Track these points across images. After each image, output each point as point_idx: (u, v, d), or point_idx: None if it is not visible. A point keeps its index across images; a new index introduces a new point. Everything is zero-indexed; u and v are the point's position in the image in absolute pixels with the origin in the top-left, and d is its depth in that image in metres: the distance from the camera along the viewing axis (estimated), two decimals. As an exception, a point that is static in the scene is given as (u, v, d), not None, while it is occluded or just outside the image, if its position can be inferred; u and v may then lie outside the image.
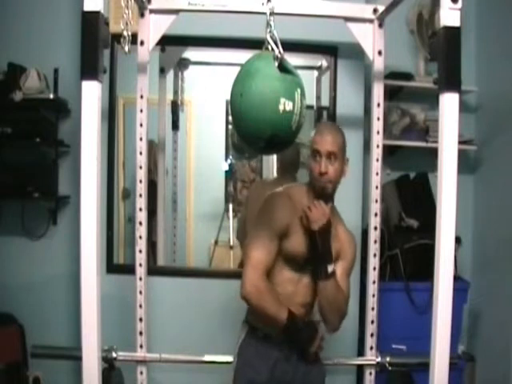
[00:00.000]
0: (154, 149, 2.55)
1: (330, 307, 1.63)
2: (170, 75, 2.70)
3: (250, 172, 2.92)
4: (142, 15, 1.86)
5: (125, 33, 1.63)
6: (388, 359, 1.96)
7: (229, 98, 1.46)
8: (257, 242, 1.60)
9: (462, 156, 2.74)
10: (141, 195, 1.93)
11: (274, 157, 2.82)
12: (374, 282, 1.99)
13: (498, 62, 2.79)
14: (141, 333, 1.94)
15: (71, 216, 2.75)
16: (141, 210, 1.94)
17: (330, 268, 1.61)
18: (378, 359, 1.97)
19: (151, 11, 1.86)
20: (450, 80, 1.27)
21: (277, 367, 1.66)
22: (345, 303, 1.66)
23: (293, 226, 1.62)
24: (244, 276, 1.56)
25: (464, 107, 2.81)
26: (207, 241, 2.85)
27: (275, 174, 2.83)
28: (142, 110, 1.91)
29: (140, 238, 1.93)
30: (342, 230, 1.75)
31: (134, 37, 1.76)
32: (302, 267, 1.66)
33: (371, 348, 1.99)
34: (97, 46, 1.18)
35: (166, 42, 2.06)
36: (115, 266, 2.44)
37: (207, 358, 2.01)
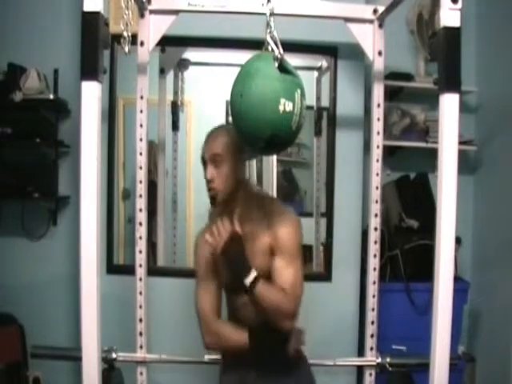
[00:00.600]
0: (153, 149, 2.55)
1: (267, 313, 1.51)
2: (170, 76, 2.70)
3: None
4: (141, 16, 1.86)
5: (125, 33, 1.63)
6: (388, 360, 1.96)
7: (229, 98, 1.46)
8: (197, 288, 1.65)
9: (462, 156, 2.73)
10: (141, 196, 1.93)
11: (274, 157, 2.82)
12: (374, 283, 1.99)
13: (498, 62, 2.79)
14: (141, 333, 1.94)
15: (71, 216, 2.75)
16: (141, 210, 1.93)
17: (247, 280, 1.48)
18: (378, 360, 1.97)
19: (151, 12, 1.86)
20: (450, 80, 1.27)
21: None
22: (287, 302, 1.50)
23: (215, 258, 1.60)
24: (200, 326, 1.63)
25: (464, 107, 2.80)
26: (207, 241, 2.85)
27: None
28: (142, 111, 1.91)
29: (140, 238, 1.93)
30: (274, 218, 1.56)
31: (134, 37, 1.76)
32: (236, 289, 1.60)
33: (371, 349, 1.99)
34: (97, 46, 1.18)
35: (165, 42, 2.06)
36: (115, 266, 2.44)
37: (207, 358, 2.01)
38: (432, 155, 1.49)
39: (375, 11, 1.88)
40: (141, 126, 1.91)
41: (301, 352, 1.68)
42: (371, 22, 1.90)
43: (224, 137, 1.56)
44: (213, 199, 1.57)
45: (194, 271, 1.69)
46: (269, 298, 1.49)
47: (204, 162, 1.57)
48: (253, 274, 1.49)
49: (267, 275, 1.54)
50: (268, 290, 1.50)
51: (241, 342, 1.56)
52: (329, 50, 2.46)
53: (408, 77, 2.76)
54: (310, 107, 2.55)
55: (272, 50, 1.46)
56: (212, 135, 1.59)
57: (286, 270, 1.52)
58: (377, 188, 1.99)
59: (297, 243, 1.56)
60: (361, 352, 2.21)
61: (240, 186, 1.59)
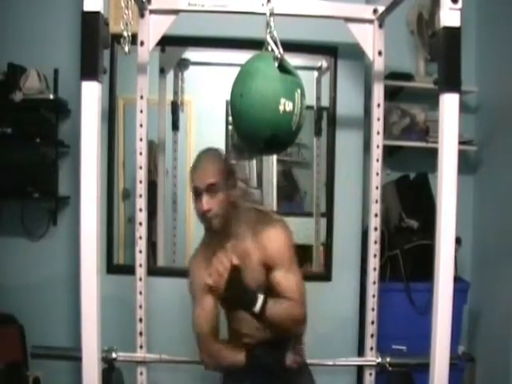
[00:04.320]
0: (153, 149, 2.55)
1: (280, 328, 1.57)
2: (170, 75, 2.70)
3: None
4: (141, 15, 1.86)
5: (125, 33, 1.64)
6: (388, 360, 1.96)
7: (229, 98, 1.46)
8: (194, 308, 1.65)
9: (462, 156, 2.74)
10: (141, 196, 1.93)
11: (274, 157, 2.82)
12: (374, 283, 1.99)
13: (498, 61, 2.79)
14: (141, 333, 1.94)
15: (71, 216, 2.75)
16: (141, 210, 1.93)
17: (255, 308, 1.50)
18: (378, 360, 1.97)
19: (151, 11, 1.86)
20: (450, 80, 1.26)
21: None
22: (297, 310, 1.56)
23: None
24: (198, 346, 1.64)
25: (464, 107, 2.81)
26: (207, 241, 2.85)
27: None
28: (141, 111, 1.91)
29: (140, 238, 1.93)
30: (263, 234, 1.60)
31: (134, 37, 1.76)
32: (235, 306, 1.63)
33: (371, 348, 1.99)
34: (97, 46, 1.18)
35: (166, 42, 2.06)
36: (115, 266, 2.45)
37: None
38: (432, 155, 1.49)
39: (375, 11, 1.88)
40: (141, 125, 1.91)
41: (300, 364, 1.69)
42: (371, 21, 1.90)
43: (216, 163, 1.56)
44: (209, 227, 1.58)
45: (190, 293, 1.69)
46: (279, 313, 1.52)
47: (196, 192, 1.56)
48: (260, 300, 1.50)
49: (266, 287, 1.57)
50: (276, 306, 1.52)
51: (238, 361, 1.59)
52: (329, 50, 2.46)
53: (408, 77, 2.76)
54: (310, 107, 2.55)
55: (272, 49, 1.46)
56: (202, 163, 1.58)
57: (287, 279, 1.57)
58: (377, 188, 1.99)
59: (287, 250, 1.60)
60: (361, 352, 2.21)
61: (231, 206, 1.61)
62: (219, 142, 2.86)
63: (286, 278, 1.57)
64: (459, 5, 1.22)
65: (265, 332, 1.62)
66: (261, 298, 1.51)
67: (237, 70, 1.47)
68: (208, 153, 1.66)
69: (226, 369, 1.69)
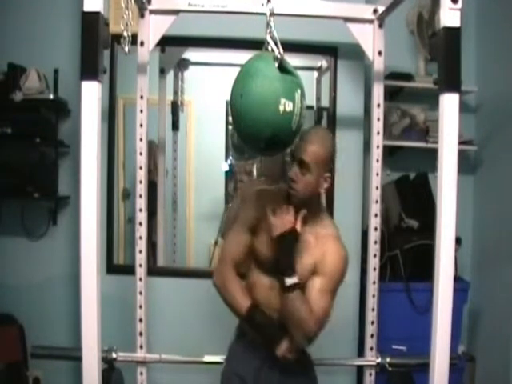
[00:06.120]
0: (153, 149, 2.55)
1: (288, 320, 1.51)
2: (170, 76, 2.70)
3: (245, 174, 2.91)
4: (142, 16, 1.86)
5: (125, 33, 1.64)
6: (388, 360, 1.96)
7: (229, 98, 1.46)
8: (228, 236, 1.70)
9: (462, 156, 2.74)
10: (141, 196, 1.93)
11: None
12: (374, 283, 1.99)
13: (498, 62, 2.79)
14: (141, 333, 1.94)
15: (71, 216, 2.75)
16: (141, 210, 1.94)
17: (288, 281, 1.47)
18: (378, 360, 1.97)
19: (151, 12, 1.86)
20: (450, 80, 1.27)
21: (261, 375, 1.64)
22: (312, 322, 1.48)
23: (261, 224, 1.61)
24: (215, 266, 1.69)
25: (464, 107, 2.80)
26: (207, 241, 2.85)
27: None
28: (141, 111, 1.91)
29: (140, 238, 1.93)
30: (329, 243, 1.58)
31: (134, 37, 1.76)
32: (272, 273, 1.58)
33: (371, 349, 1.99)
34: (97, 46, 1.18)
35: (165, 42, 2.06)
36: (115, 266, 2.45)
37: (207, 358, 2.01)
38: (432, 155, 1.50)
39: (375, 11, 1.88)
40: (141, 125, 1.91)
41: (306, 355, 1.71)
42: (371, 21, 1.91)
43: (319, 147, 1.52)
44: (290, 195, 1.58)
45: (229, 219, 1.70)
46: (298, 309, 1.47)
47: (292, 158, 1.56)
48: (295, 278, 1.48)
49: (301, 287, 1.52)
50: (301, 302, 1.48)
51: (239, 307, 1.59)
52: (329, 50, 2.46)
53: (408, 77, 2.76)
54: (309, 107, 2.55)
55: (272, 50, 1.46)
56: (310, 138, 1.54)
57: (322, 294, 1.52)
58: (377, 188, 1.99)
59: (340, 271, 1.57)
60: (361, 352, 2.21)
61: (314, 198, 1.60)
62: (219, 141, 2.87)
63: (322, 292, 1.52)
64: (459, 5, 1.22)
65: (276, 311, 1.57)
66: (295, 278, 1.48)
67: (237, 70, 1.47)
68: (320, 131, 1.66)
69: (224, 301, 1.64)
